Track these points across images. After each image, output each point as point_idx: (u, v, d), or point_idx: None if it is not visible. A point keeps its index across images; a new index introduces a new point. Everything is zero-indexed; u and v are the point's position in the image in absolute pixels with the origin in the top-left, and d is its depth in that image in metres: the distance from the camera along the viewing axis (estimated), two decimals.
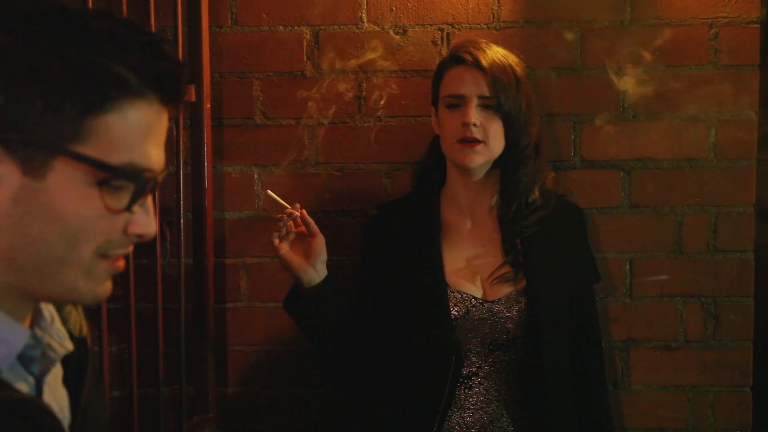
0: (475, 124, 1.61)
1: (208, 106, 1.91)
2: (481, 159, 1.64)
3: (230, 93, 1.97)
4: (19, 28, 0.71)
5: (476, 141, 1.62)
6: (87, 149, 0.73)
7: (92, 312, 1.40)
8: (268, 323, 2.00)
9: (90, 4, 1.78)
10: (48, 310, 0.85)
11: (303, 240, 1.67)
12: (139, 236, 0.80)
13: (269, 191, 1.68)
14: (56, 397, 0.83)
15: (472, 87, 1.62)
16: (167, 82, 0.77)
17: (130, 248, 0.81)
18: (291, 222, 1.64)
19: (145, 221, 0.80)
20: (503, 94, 1.60)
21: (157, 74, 0.75)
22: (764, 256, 2.02)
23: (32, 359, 0.78)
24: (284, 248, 1.65)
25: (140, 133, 0.76)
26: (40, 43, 0.71)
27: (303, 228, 1.66)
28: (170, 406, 1.89)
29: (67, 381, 0.85)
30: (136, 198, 0.77)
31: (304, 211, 1.65)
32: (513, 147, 1.65)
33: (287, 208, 1.65)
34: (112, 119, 0.74)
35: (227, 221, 1.99)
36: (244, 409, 2.02)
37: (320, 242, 1.65)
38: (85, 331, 0.89)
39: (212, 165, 1.94)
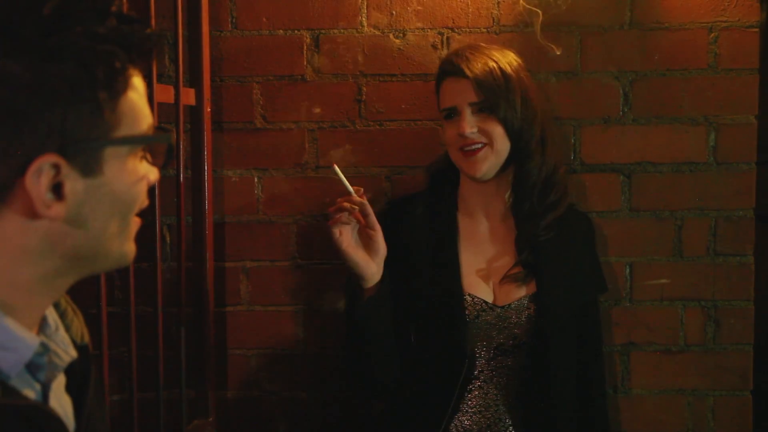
0: (473, 132, 1.60)
1: (208, 110, 1.91)
2: (485, 165, 1.62)
3: (230, 97, 1.97)
4: (29, 55, 0.72)
5: (477, 147, 1.61)
6: (124, 130, 0.78)
7: (92, 316, 1.40)
8: (268, 327, 2.00)
9: None
10: (52, 317, 0.85)
11: (361, 233, 1.55)
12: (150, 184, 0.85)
13: (335, 165, 1.50)
14: (61, 403, 0.83)
15: (462, 96, 1.61)
16: (145, 46, 0.80)
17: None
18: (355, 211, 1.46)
19: (151, 169, 0.85)
20: (493, 96, 1.59)
21: (140, 41, 0.78)
22: (764, 260, 2.02)
23: (39, 367, 0.79)
24: (347, 241, 1.50)
25: (143, 95, 0.82)
26: (55, 62, 0.72)
27: (360, 217, 1.53)
28: (170, 409, 1.89)
29: (69, 388, 0.86)
30: (171, 151, 0.84)
31: (366, 199, 1.51)
32: (517, 143, 1.63)
33: (351, 193, 1.46)
34: (131, 95, 0.79)
35: (227, 225, 1.99)
36: (243, 413, 2.02)
37: (381, 236, 1.54)
38: (87, 338, 0.89)
39: (212, 169, 1.94)
